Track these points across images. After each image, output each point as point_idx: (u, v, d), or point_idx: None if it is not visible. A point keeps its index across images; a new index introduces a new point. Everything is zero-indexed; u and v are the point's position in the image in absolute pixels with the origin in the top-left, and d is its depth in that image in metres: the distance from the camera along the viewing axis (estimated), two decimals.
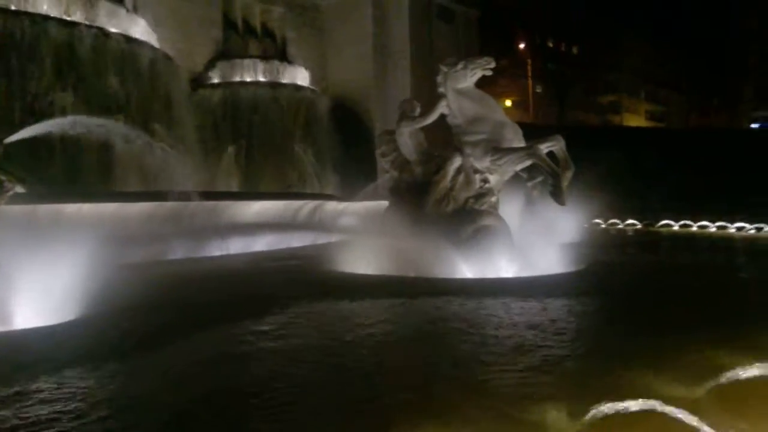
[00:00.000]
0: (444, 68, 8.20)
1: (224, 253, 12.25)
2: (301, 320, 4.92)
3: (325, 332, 4.40)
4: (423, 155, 8.72)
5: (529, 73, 49.69)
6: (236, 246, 12.70)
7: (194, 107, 21.82)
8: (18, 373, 3.44)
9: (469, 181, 8.08)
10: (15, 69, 14.51)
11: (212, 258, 11.46)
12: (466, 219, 8.05)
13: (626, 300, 5.47)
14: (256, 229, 13.01)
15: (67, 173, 14.46)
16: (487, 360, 3.53)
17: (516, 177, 12.87)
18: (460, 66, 8.01)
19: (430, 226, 8.07)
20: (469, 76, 8.00)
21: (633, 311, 4.96)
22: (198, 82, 23.45)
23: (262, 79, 23.92)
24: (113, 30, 16.67)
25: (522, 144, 7.99)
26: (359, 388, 3.08)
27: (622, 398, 2.50)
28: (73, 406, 2.84)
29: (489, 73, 8.08)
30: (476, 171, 8.00)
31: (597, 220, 20.72)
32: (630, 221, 20.54)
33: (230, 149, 23.25)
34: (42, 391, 3.12)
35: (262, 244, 13.09)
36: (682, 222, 18.66)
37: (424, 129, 9.17)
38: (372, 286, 6.71)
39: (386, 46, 26.95)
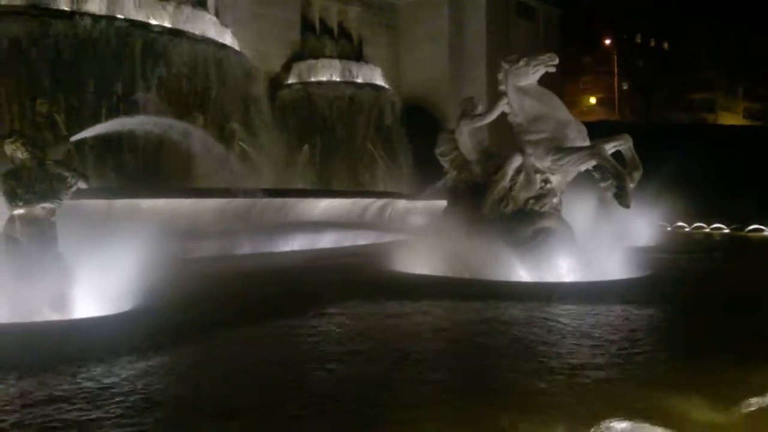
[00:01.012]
0: (505, 65, 7.95)
1: (290, 249, 12.47)
2: (337, 319, 4.88)
3: (352, 335, 4.33)
4: (483, 154, 8.51)
5: (615, 70, 47.80)
6: (302, 242, 12.91)
7: (272, 108, 22.40)
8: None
9: (529, 182, 7.80)
10: (103, 71, 15.36)
11: (276, 254, 11.68)
12: (525, 220, 7.78)
13: (686, 312, 5.08)
14: (321, 226, 13.16)
15: (148, 170, 15.16)
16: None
17: (589, 177, 12.44)
18: (521, 63, 7.74)
19: (488, 227, 7.87)
20: (531, 73, 7.72)
21: (688, 326, 4.59)
22: (276, 83, 24.08)
23: (337, 79, 24.24)
24: (196, 33, 17.35)
25: (586, 143, 7.64)
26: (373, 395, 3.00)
27: None
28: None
29: (552, 69, 7.77)
30: (537, 171, 7.72)
31: (680, 224, 19.64)
32: (716, 225, 19.30)
33: (305, 148, 23.76)
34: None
35: (327, 241, 13.24)
36: None
37: (487, 128, 8.96)
38: (420, 287, 6.59)
39: (462, 46, 26.66)
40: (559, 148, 7.44)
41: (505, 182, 7.98)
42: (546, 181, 7.77)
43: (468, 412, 2.69)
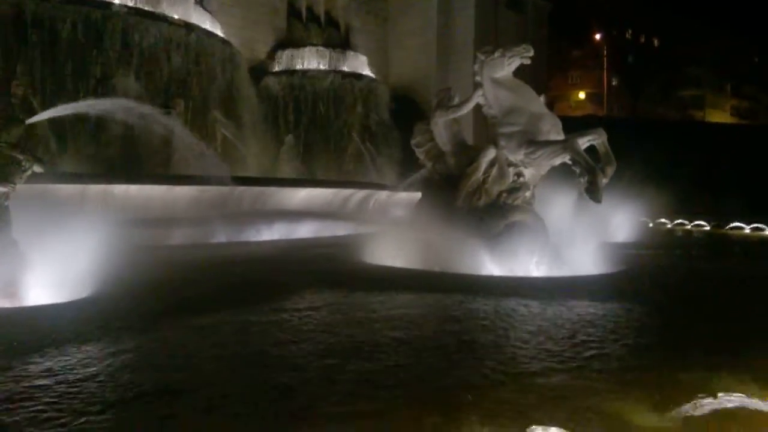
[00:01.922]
0: (481, 56, 7.83)
1: (266, 238, 12.32)
2: (293, 309, 4.77)
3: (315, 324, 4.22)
4: (457, 146, 8.39)
5: (605, 65, 47.75)
6: (279, 232, 12.76)
7: (256, 95, 22.17)
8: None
9: (502, 175, 7.70)
10: (81, 54, 15.11)
11: (252, 243, 11.53)
12: (497, 214, 7.68)
13: (648, 310, 5.00)
14: (297, 216, 13.02)
15: (126, 156, 14.94)
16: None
17: (569, 171, 12.37)
18: (497, 54, 7.62)
19: (461, 220, 7.77)
20: (506, 65, 7.60)
21: (647, 324, 4.51)
22: (260, 70, 23.81)
23: (323, 67, 24.02)
24: (175, 17, 17.09)
25: (560, 137, 7.55)
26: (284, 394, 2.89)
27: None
28: None
29: (527, 61, 7.66)
30: (510, 164, 7.63)
31: (662, 220, 19.65)
32: (698, 222, 19.31)
33: (289, 137, 23.57)
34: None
35: (304, 231, 13.09)
36: (754, 225, 17.35)
37: (468, 120, 8.86)
38: (383, 279, 6.49)
39: (450, 37, 26.49)
40: (532, 142, 7.35)
41: (479, 175, 7.87)
42: (519, 174, 7.67)
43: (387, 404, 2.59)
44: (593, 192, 6.95)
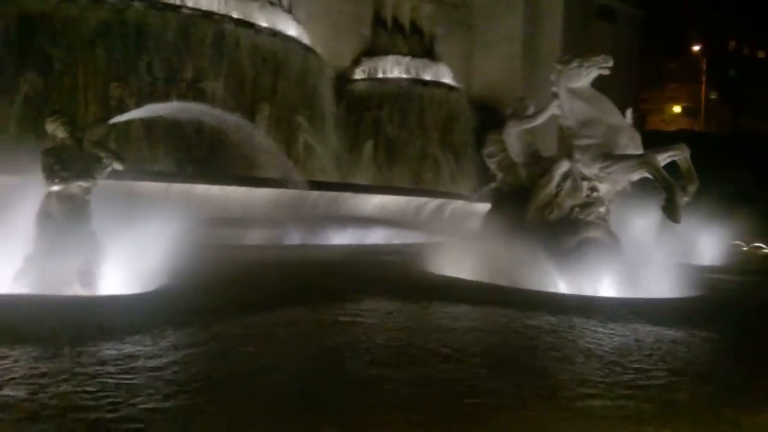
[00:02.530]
0: (558, 66, 7.60)
1: (338, 242, 12.49)
2: (337, 313, 4.78)
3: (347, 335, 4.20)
4: (530, 157, 8.17)
5: (704, 78, 45.36)
6: (351, 236, 12.91)
7: (338, 102, 22.56)
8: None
9: (576, 189, 7.42)
10: (173, 59, 15.89)
11: (322, 246, 11.71)
12: (569, 229, 7.41)
13: (722, 338, 4.65)
14: (369, 222, 13.12)
15: (211, 156, 15.56)
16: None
17: (656, 189, 11.82)
18: (574, 64, 7.36)
19: (531, 234, 7.55)
20: (584, 75, 7.32)
21: (714, 354, 4.19)
22: (344, 77, 24.23)
23: (404, 75, 24.15)
24: (264, 25, 17.68)
25: (639, 151, 7.20)
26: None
27: None
28: None
29: (606, 72, 7.34)
30: (584, 178, 7.34)
31: (759, 244, 18.35)
32: None
33: (369, 144, 23.82)
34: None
35: (376, 237, 13.17)
36: None
37: (541, 132, 8.64)
38: (443, 289, 6.39)
39: (537, 46, 25.99)
40: (607, 155, 7.04)
41: (551, 188, 7.63)
42: (593, 189, 7.36)
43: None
44: (671, 211, 6.57)
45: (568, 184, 7.51)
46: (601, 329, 4.54)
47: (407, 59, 24.50)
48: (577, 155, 7.35)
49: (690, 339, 4.42)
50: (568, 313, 5.16)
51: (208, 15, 16.49)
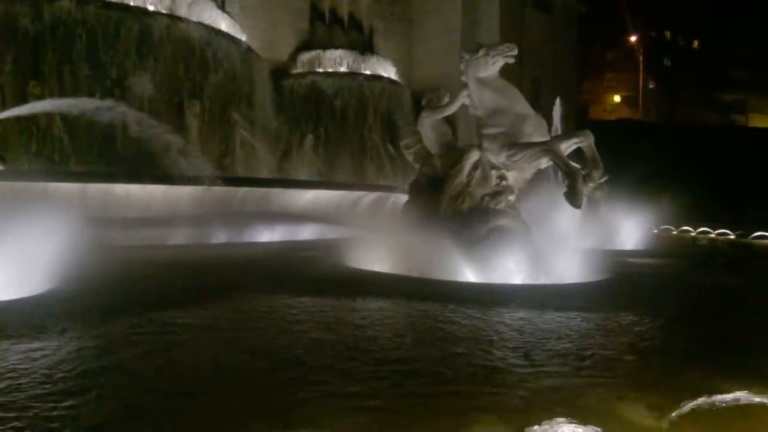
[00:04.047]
0: (465, 55, 7.60)
1: (267, 240, 12.29)
2: (230, 309, 4.64)
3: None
4: (445, 147, 8.16)
5: (641, 68, 46.55)
6: (281, 234, 12.72)
7: (277, 97, 22.24)
8: None
9: (485, 178, 7.44)
10: (98, 56, 15.35)
11: (248, 244, 11.49)
12: (480, 218, 7.41)
13: (612, 318, 4.70)
14: (299, 218, 12.95)
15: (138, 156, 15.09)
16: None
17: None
18: (481, 53, 7.37)
19: (444, 224, 7.54)
20: (490, 64, 7.33)
21: (605, 333, 4.21)
22: (282, 72, 23.89)
23: (344, 69, 23.96)
24: (193, 19, 17.24)
25: (545, 139, 7.24)
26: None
27: None
28: None
29: (511, 60, 7.37)
30: (493, 167, 7.36)
31: (686, 227, 18.93)
32: (722, 230, 18.46)
33: (309, 138, 23.57)
34: None
35: (307, 233, 13.00)
36: None
37: (455, 121, 8.62)
38: (351, 283, 6.30)
39: (475, 39, 26.06)
40: (513, 144, 7.07)
41: (462, 178, 7.63)
42: (502, 177, 7.40)
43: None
44: (572, 197, 6.64)
45: (478, 173, 7.52)
46: (478, 316, 4.51)
47: (346, 53, 24.31)
48: (485, 144, 7.37)
49: (570, 322, 4.44)
50: (465, 303, 5.14)
51: (132, 9, 15.99)
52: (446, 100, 8.44)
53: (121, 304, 4.97)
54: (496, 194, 7.43)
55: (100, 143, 14.34)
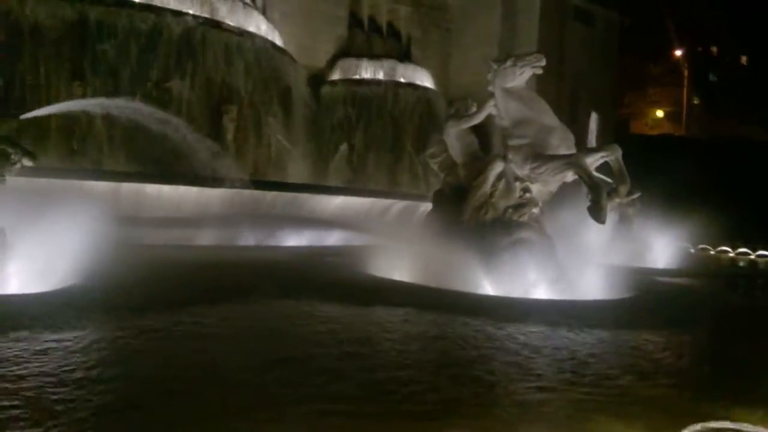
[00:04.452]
0: (493, 65, 7.54)
1: (294, 244, 12.38)
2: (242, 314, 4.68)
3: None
4: (470, 157, 8.10)
5: (685, 83, 45.48)
6: (309, 238, 12.80)
7: (313, 103, 22.43)
8: None
9: (509, 189, 7.36)
10: (137, 58, 15.73)
11: (274, 248, 11.59)
12: (502, 230, 7.32)
13: (633, 337, 4.58)
14: (325, 224, 13.01)
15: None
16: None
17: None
18: (508, 63, 7.30)
19: (467, 235, 7.47)
20: (518, 74, 7.25)
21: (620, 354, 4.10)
22: (320, 78, 24.11)
23: (381, 77, 24.06)
24: (232, 24, 17.54)
25: (571, 152, 7.13)
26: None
27: None
28: None
29: (539, 71, 7.28)
30: (517, 179, 7.28)
31: (724, 248, 18.36)
32: (762, 252, 17.82)
33: (344, 145, 23.72)
34: None
35: (335, 238, 13.05)
36: None
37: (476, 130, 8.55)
38: (369, 291, 6.28)
39: (513, 49, 25.93)
40: (538, 156, 6.97)
41: (486, 188, 7.56)
42: (526, 189, 7.30)
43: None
44: (596, 211, 6.50)
45: (501, 184, 7.45)
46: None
47: (384, 61, 24.41)
48: (510, 155, 7.29)
49: (578, 339, 4.35)
50: (476, 315, 5.08)
51: (174, 13, 16.35)
52: (473, 110, 8.37)
53: (138, 302, 5.06)
54: (520, 206, 7.34)
55: (140, 144, 14.66)
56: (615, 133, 28.96)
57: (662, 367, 3.81)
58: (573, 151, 7.17)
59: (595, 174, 7.03)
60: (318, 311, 4.96)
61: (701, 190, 21.92)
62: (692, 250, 17.66)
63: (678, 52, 45.37)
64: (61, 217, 5.95)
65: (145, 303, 4.98)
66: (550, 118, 7.29)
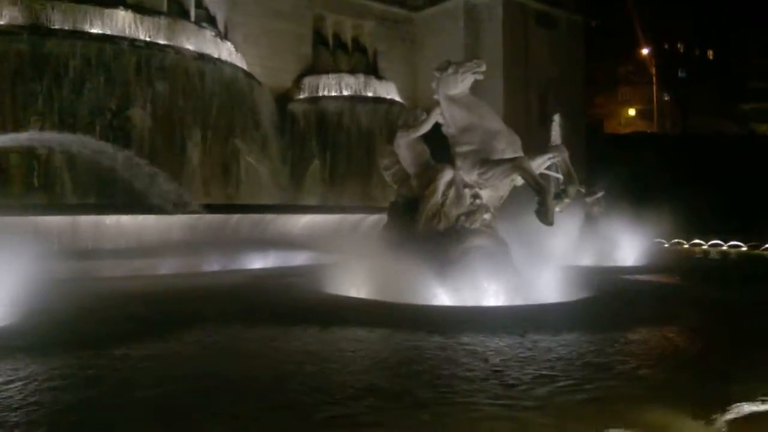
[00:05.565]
0: (436, 73, 7.46)
1: (261, 266, 12.19)
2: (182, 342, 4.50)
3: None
4: (421, 167, 8.00)
5: (654, 80, 45.97)
6: (275, 260, 12.62)
7: (280, 123, 22.32)
8: None
9: (459, 197, 7.26)
10: (97, 89, 15.55)
11: (238, 271, 11.39)
12: (455, 238, 7.20)
13: (577, 340, 4.46)
14: (291, 244, 12.84)
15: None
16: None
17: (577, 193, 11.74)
18: (450, 70, 7.23)
19: (420, 246, 7.36)
20: (459, 81, 7.18)
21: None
22: (286, 97, 24.05)
23: (348, 93, 24.03)
24: (191, 48, 17.43)
25: (518, 155, 7.04)
26: None
27: None
28: None
29: (480, 77, 7.22)
30: (467, 185, 7.18)
31: (698, 241, 18.38)
32: (734, 243, 17.83)
33: (315, 164, 23.63)
34: None
35: (302, 258, 12.86)
36: None
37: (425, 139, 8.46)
38: (315, 310, 6.11)
39: (479, 57, 26.04)
40: (485, 161, 6.89)
41: (437, 197, 7.45)
42: (476, 196, 7.20)
43: None
44: (542, 214, 6.41)
45: (452, 192, 7.34)
46: (412, 342, 4.31)
47: (349, 76, 24.40)
48: (458, 162, 7.20)
49: (515, 344, 4.21)
50: (419, 328, 4.94)
51: (131, 42, 16.21)
52: (422, 119, 8.28)
53: (70, 339, 4.84)
54: (471, 213, 7.24)
55: (98, 177, 14.43)
56: (587, 134, 29.11)
57: (591, 369, 3.68)
58: (519, 154, 7.09)
59: (553, 174, 6.98)
60: (253, 337, 4.79)
61: (673, 185, 22.07)
62: (666, 245, 17.68)
63: (645, 51, 45.90)
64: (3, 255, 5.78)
65: (76, 340, 4.76)
66: (495, 123, 7.22)
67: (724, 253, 17.03)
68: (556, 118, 15.08)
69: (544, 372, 3.48)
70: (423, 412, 2.83)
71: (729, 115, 49.35)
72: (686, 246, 17.80)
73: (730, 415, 2.60)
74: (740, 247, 17.43)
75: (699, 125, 44.82)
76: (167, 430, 2.74)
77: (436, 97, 7.58)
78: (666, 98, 47.62)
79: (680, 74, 46.59)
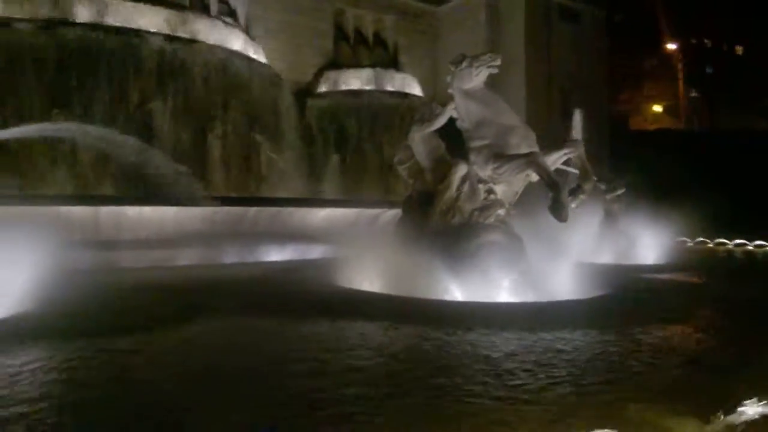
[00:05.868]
0: (451, 67, 7.43)
1: (278, 258, 12.28)
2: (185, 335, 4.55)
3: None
4: (436, 162, 7.97)
5: (680, 76, 45.19)
6: (292, 252, 12.69)
7: (301, 116, 22.40)
8: None
9: (473, 192, 7.22)
10: (119, 82, 15.74)
11: (258, 264, 11.48)
12: (469, 233, 7.17)
13: (576, 338, 4.42)
14: (307, 237, 12.89)
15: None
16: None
17: (596, 189, 11.62)
18: (464, 64, 7.18)
19: (434, 240, 7.34)
20: (474, 75, 7.13)
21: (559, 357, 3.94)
22: (307, 92, 24.13)
23: (368, 87, 24.03)
24: (212, 42, 17.55)
25: (532, 150, 6.98)
26: None
27: None
28: None
29: (495, 71, 7.15)
30: (481, 180, 7.14)
31: (722, 240, 18.05)
32: (760, 242, 17.43)
33: (335, 157, 23.67)
34: None
35: (319, 251, 12.92)
36: None
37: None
38: (329, 304, 6.13)
39: (500, 51, 25.82)
40: (498, 156, 6.83)
41: (451, 192, 7.42)
42: (490, 191, 7.16)
43: None
44: (556, 210, 6.34)
45: (466, 187, 7.30)
46: (421, 336, 4.30)
47: (370, 70, 24.39)
48: (472, 157, 7.16)
49: (522, 342, 4.19)
50: (429, 323, 4.93)
51: (152, 34, 16.37)
52: (437, 113, 8.24)
53: (83, 328, 4.93)
54: (485, 208, 7.19)
55: (120, 169, 14.62)
56: (611, 130, 28.75)
57: (597, 370, 3.64)
58: (535, 149, 7.02)
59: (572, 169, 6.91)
60: (262, 328, 4.82)
61: (699, 182, 21.68)
62: (690, 244, 17.41)
63: (672, 46, 45.10)
64: (20, 244, 5.88)
65: (88, 329, 4.85)
66: (509, 117, 7.16)
67: (749, 252, 16.70)
68: (577, 113, 14.90)
69: (548, 369, 3.45)
70: (424, 406, 2.83)
71: (758, 112, 48.29)
72: (710, 245, 17.51)
73: (733, 416, 2.56)
74: (766, 246, 17.08)
75: (727, 122, 44.00)
76: (166, 421, 2.77)
77: (450, 91, 7.55)
78: (693, 94, 46.78)
79: (708, 70, 45.71)
